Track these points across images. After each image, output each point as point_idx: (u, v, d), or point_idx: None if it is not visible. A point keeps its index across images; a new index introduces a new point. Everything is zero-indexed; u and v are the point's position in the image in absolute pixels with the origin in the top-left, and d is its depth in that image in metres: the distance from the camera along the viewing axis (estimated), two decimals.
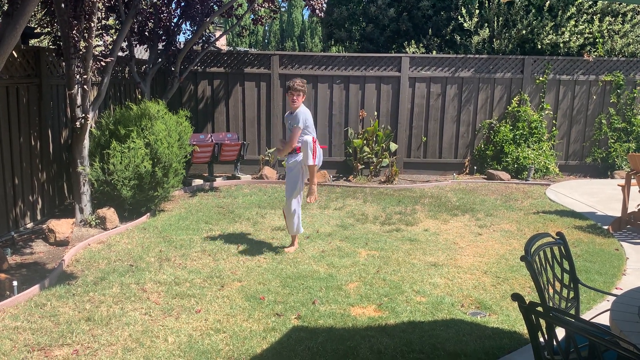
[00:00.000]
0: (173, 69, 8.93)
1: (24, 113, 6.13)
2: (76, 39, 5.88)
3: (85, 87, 6.26)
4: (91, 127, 6.81)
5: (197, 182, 9.08)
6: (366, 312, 4.28)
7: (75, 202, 6.58)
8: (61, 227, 5.78)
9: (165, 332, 3.88)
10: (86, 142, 6.55)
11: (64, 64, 6.28)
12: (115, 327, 3.94)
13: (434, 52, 11.64)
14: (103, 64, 6.40)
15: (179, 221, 6.82)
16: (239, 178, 9.57)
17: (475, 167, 10.50)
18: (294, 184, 5.60)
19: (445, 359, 3.54)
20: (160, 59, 8.86)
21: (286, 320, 4.11)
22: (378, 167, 9.97)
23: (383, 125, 10.28)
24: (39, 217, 6.52)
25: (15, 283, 4.45)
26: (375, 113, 10.28)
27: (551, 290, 2.87)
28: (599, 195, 8.64)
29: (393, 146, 10.00)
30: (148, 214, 6.96)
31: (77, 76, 6.15)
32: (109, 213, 6.42)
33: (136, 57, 8.69)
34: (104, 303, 4.35)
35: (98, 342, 3.72)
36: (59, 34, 6.12)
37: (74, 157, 6.52)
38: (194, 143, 8.77)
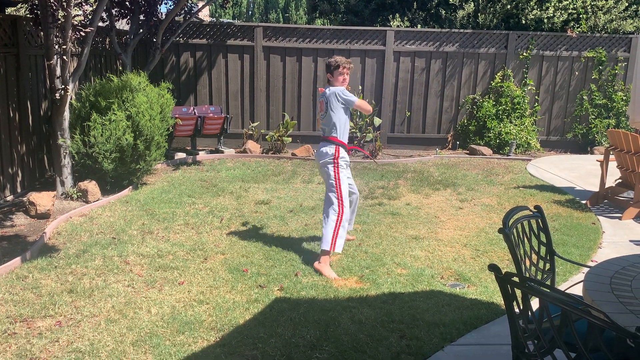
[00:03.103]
0: (155, 40, 8.77)
1: (1, 84, 6.00)
2: (54, 7, 5.74)
3: (64, 57, 6.14)
4: (71, 98, 6.69)
5: (180, 155, 9.03)
6: (348, 284, 4.34)
7: (56, 174, 6.51)
8: (42, 199, 5.73)
9: (149, 304, 3.91)
10: (66, 114, 6.45)
11: (42, 33, 6.13)
12: (98, 299, 3.96)
13: (419, 26, 11.58)
14: (82, 34, 6.26)
15: (162, 194, 6.79)
16: (222, 152, 9.52)
17: (458, 142, 10.56)
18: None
19: (424, 328, 3.63)
20: (141, 30, 8.69)
21: (269, 291, 4.15)
22: (362, 142, 9.99)
23: (367, 100, 10.26)
24: (19, 190, 6.45)
25: None
26: (360, 87, 10.25)
27: (528, 263, 2.94)
28: (579, 171, 8.77)
29: (377, 121, 10.01)
30: (130, 187, 6.92)
31: (56, 46, 6.02)
32: (91, 186, 6.37)
33: (117, 27, 8.52)
34: (87, 275, 4.36)
35: (81, 314, 3.74)
36: (37, 2, 5.97)
37: (54, 129, 6.42)
38: (177, 116, 8.68)
